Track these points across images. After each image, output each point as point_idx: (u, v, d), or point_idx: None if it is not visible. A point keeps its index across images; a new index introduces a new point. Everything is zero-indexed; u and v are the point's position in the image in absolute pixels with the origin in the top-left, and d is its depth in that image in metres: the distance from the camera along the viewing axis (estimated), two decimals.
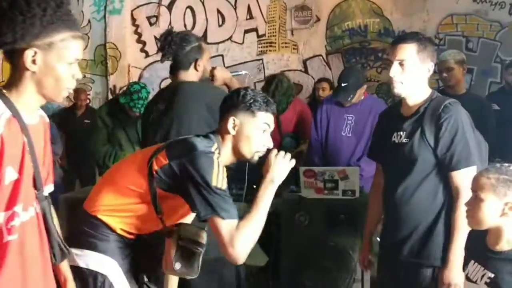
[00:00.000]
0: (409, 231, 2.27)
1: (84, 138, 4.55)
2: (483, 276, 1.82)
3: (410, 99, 2.27)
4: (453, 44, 5.33)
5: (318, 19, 5.77)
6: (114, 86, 6.28)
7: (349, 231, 3.08)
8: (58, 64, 1.40)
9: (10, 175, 1.36)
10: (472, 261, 1.90)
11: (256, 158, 1.97)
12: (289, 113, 4.26)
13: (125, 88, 4.63)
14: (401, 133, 2.27)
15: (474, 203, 1.80)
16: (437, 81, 5.32)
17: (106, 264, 1.85)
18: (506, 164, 1.81)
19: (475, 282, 1.85)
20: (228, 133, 1.93)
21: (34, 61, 1.38)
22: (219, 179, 1.78)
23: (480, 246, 1.89)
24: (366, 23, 5.66)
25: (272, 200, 1.88)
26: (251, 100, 1.92)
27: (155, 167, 1.82)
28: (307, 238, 3.17)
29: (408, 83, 2.23)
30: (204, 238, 1.90)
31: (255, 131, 1.93)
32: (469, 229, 2.06)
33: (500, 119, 4.00)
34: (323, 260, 3.12)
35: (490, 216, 1.78)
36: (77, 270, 1.82)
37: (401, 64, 2.21)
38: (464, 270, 1.94)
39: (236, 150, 1.95)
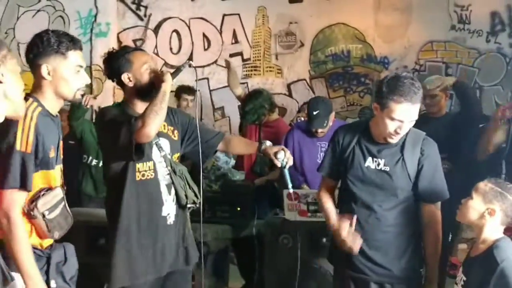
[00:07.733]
0: (383, 250, 2.39)
1: (68, 160, 4.51)
2: (461, 279, 2.11)
3: None
4: (433, 70, 5.46)
5: (302, 44, 5.87)
6: (99, 108, 6.28)
7: None
8: None
9: None
10: (461, 268, 2.17)
11: (78, 96, 2.03)
12: (271, 129, 4.23)
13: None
14: (379, 160, 2.37)
15: (466, 200, 2.11)
16: None
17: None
18: (507, 182, 2.10)
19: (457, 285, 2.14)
20: (45, 79, 1.96)
21: None
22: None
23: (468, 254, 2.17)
24: (349, 49, 5.76)
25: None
26: (57, 42, 1.97)
27: None
28: (290, 260, 3.19)
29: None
30: None
31: (70, 72, 1.99)
32: (439, 254, 2.34)
33: None
34: (306, 282, 3.14)
35: (471, 213, 2.08)
36: None
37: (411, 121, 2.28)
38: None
39: (58, 94, 1.99)
